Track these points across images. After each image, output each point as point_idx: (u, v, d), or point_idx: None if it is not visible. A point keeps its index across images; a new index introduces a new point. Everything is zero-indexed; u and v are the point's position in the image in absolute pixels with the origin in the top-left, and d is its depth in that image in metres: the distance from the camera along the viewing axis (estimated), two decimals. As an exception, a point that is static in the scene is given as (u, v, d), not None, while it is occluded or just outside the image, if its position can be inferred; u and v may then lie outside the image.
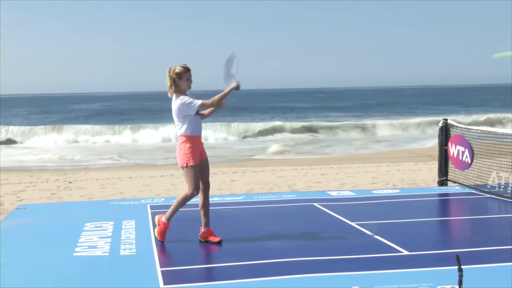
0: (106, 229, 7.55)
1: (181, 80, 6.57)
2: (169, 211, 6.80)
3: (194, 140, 6.63)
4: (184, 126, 6.58)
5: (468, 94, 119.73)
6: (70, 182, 14.61)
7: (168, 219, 6.80)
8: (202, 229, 6.89)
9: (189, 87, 6.66)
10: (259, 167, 17.48)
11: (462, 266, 3.97)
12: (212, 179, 14.57)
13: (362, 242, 6.83)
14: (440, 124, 11.33)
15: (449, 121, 11.34)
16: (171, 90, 6.60)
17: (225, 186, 13.55)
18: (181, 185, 13.72)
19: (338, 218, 8.18)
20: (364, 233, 7.27)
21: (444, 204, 10.08)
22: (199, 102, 6.52)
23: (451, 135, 11.07)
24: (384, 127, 35.79)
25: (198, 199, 6.86)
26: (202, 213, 6.87)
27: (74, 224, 7.95)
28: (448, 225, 8.41)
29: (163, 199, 10.08)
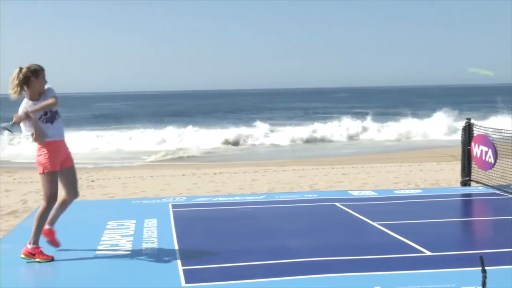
0: (128, 228, 7.61)
1: (38, 79, 5.95)
2: (32, 233, 6.13)
3: (53, 146, 6.10)
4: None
5: (491, 93, 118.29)
6: (92, 181, 14.74)
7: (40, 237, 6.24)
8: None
9: (43, 88, 6.02)
10: (280, 167, 17.48)
11: (486, 267, 3.92)
12: (233, 178, 14.80)
13: (384, 242, 6.79)
14: (463, 124, 11.22)
15: (472, 121, 11.23)
16: (17, 90, 5.85)
17: (246, 185, 13.57)
18: (202, 184, 13.77)
19: (360, 218, 8.15)
20: (386, 233, 7.23)
21: (467, 204, 9.99)
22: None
23: (474, 135, 10.96)
24: (405, 126, 35.36)
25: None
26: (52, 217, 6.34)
27: (96, 222, 8.03)
28: (471, 226, 8.33)
29: (184, 198, 10.12)
